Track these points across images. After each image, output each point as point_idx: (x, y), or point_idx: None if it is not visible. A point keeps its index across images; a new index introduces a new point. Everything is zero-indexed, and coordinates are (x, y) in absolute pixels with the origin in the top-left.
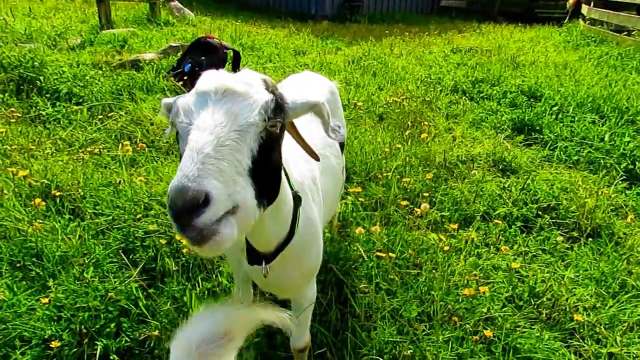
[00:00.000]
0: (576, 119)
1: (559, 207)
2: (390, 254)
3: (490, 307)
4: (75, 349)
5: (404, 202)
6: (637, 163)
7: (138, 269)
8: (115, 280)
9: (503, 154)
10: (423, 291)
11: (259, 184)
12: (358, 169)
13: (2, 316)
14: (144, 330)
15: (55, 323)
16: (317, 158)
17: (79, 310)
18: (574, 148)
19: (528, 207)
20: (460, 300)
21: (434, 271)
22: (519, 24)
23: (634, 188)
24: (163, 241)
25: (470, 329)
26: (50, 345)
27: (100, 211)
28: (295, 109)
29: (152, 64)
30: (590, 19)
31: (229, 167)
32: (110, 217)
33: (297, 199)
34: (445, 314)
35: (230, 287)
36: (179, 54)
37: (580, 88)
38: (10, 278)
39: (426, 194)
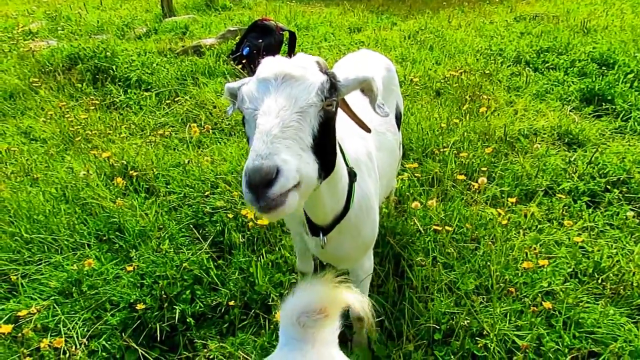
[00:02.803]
0: None
1: (631, 181)
2: (447, 227)
3: (552, 282)
4: (157, 312)
5: (461, 177)
6: None
7: (208, 242)
8: (188, 252)
9: (569, 127)
10: (480, 265)
11: (320, 158)
12: (415, 145)
13: (93, 283)
14: (215, 297)
15: (139, 289)
16: (368, 129)
17: (158, 278)
18: None
19: (596, 181)
20: (519, 274)
21: (492, 245)
22: None
23: None
24: (230, 215)
25: (530, 302)
26: (136, 308)
27: (171, 189)
28: (347, 85)
29: (213, 48)
30: None
31: (295, 145)
32: (181, 195)
33: (352, 175)
34: (503, 287)
35: (293, 259)
36: (237, 38)
37: None
38: (98, 250)
39: (484, 169)
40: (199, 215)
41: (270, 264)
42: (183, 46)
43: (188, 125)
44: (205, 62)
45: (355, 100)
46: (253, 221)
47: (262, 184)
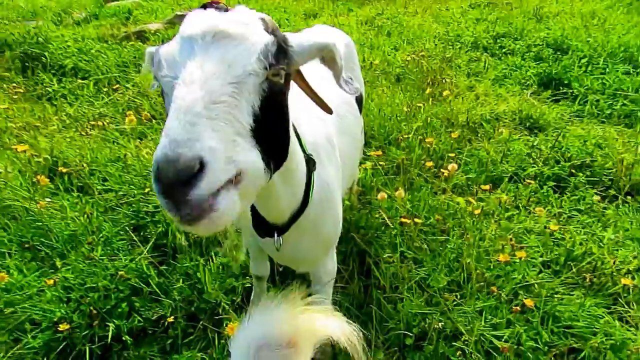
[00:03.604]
0: (607, 70)
1: (594, 165)
2: (416, 219)
3: (525, 274)
4: (86, 331)
5: (430, 164)
6: None
7: (149, 245)
8: (126, 258)
9: (530, 111)
10: (451, 259)
11: (265, 145)
12: (377, 132)
13: (12, 299)
14: (157, 309)
15: (65, 305)
16: (329, 110)
17: (88, 291)
18: (606, 101)
19: (560, 165)
20: (492, 267)
21: (462, 237)
22: None
23: None
24: None
25: (505, 297)
26: (59, 329)
27: (109, 187)
28: (302, 53)
29: (158, 34)
30: None
31: (226, 127)
32: (120, 193)
33: (310, 163)
34: (477, 283)
35: (247, 262)
36: None
37: (610, 37)
38: (20, 259)
39: (452, 155)
40: (140, 216)
41: (220, 267)
42: (126, 32)
43: (126, 115)
44: None
45: (311, 81)
46: None
47: (178, 182)
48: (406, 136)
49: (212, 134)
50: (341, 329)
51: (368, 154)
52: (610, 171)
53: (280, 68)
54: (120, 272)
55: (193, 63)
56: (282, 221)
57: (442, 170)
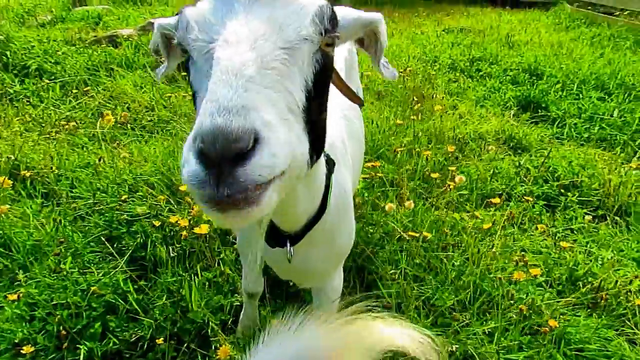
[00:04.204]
0: (581, 96)
1: (582, 185)
2: (425, 232)
3: (532, 294)
4: (54, 354)
5: (435, 174)
6: None
7: (125, 258)
8: (99, 271)
9: (512, 132)
10: (453, 276)
11: (311, 132)
12: (366, 146)
13: None
14: (136, 329)
15: (28, 324)
16: (360, 101)
17: (56, 308)
18: (584, 125)
19: (549, 184)
20: (496, 286)
21: (463, 254)
22: (505, 8)
23: None
24: (156, 224)
25: (515, 318)
26: (22, 352)
27: (77, 194)
28: (347, 27)
29: (131, 39)
30: (577, 1)
31: (280, 101)
32: (90, 201)
33: (330, 164)
34: (483, 302)
35: (235, 277)
36: None
37: (581, 65)
38: None
39: (452, 168)
40: (114, 226)
41: (207, 283)
42: (95, 36)
43: (100, 118)
44: (122, 53)
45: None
46: (187, 230)
47: (228, 156)
48: (400, 149)
49: (269, 106)
50: (410, 337)
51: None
52: (597, 191)
53: (336, 36)
54: (92, 288)
55: (236, 22)
56: (296, 229)
57: (448, 182)
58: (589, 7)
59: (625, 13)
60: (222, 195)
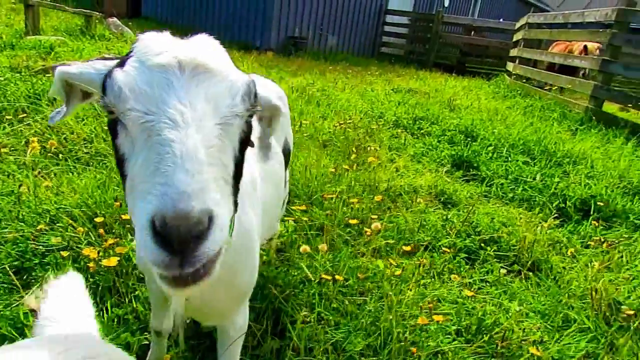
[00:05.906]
0: (510, 158)
1: (501, 240)
2: (337, 276)
3: (440, 341)
4: None
5: (354, 221)
6: (567, 202)
7: (31, 291)
8: (0, 303)
9: (444, 187)
10: (368, 322)
11: (234, 195)
12: (300, 191)
13: None
14: None
15: None
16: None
17: None
18: (509, 185)
19: (471, 238)
20: (407, 332)
21: (380, 300)
22: (452, 74)
23: (565, 225)
24: (65, 254)
25: None
26: None
27: None
28: (263, 103)
29: None
30: (515, 74)
31: (220, 175)
32: (6, 230)
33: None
34: (396, 345)
35: (147, 314)
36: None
37: (511, 131)
38: None
39: (374, 217)
40: (27, 257)
41: (115, 320)
42: (44, 65)
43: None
44: None
45: None
46: (96, 262)
47: (189, 239)
48: (330, 196)
49: (214, 183)
50: None
51: (292, 208)
52: (514, 247)
53: (259, 110)
54: None
55: (179, 101)
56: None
57: (365, 229)
58: (524, 80)
59: (554, 88)
60: (187, 274)
